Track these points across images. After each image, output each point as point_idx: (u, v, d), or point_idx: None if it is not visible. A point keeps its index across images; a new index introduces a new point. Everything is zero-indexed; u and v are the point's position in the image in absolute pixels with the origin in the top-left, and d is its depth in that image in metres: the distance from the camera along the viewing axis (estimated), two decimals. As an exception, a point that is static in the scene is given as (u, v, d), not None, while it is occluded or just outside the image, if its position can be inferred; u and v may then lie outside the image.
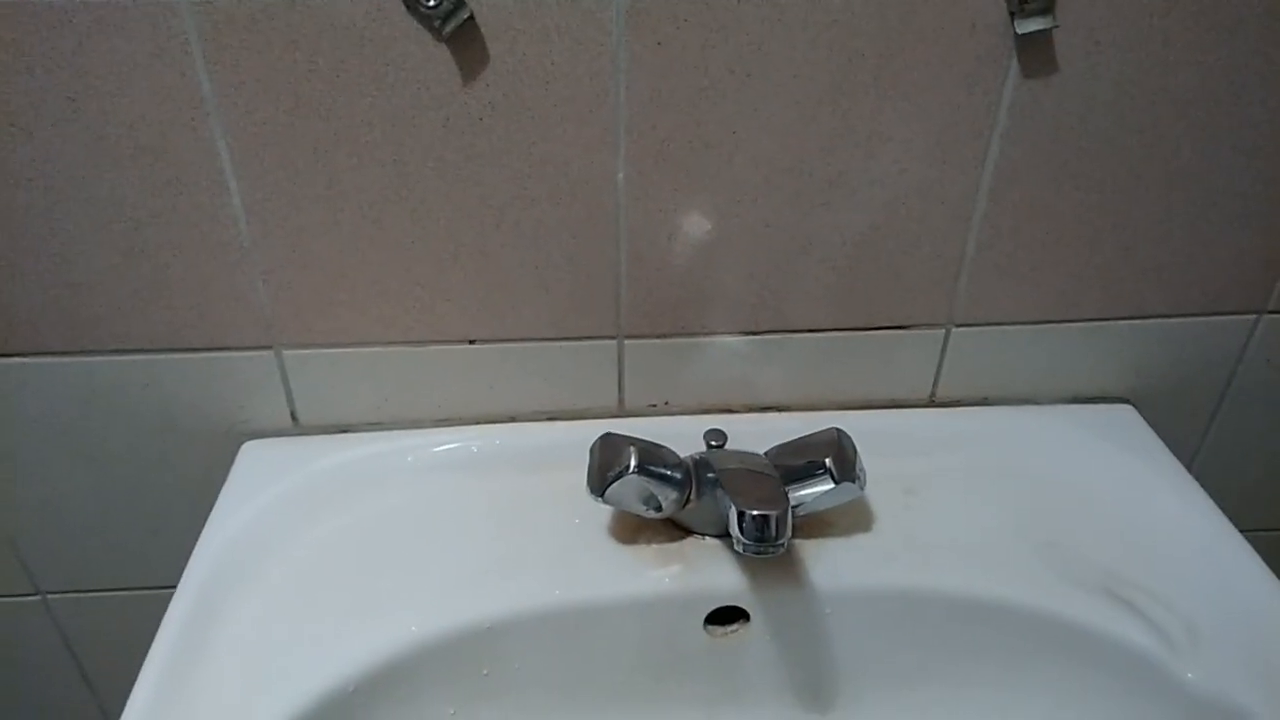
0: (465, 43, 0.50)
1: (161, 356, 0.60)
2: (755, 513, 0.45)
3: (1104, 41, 0.53)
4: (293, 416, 0.63)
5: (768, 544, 0.45)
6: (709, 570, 0.56)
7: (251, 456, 0.62)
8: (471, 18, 0.49)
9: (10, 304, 0.57)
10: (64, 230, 0.54)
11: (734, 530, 0.46)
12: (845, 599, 0.55)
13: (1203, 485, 0.61)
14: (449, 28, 0.49)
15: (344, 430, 0.64)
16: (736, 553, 0.55)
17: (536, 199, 0.55)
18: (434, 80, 0.51)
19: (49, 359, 0.59)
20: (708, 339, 0.62)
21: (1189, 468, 0.64)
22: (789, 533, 0.46)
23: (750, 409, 0.66)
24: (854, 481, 0.53)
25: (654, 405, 0.65)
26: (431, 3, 0.48)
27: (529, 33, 0.50)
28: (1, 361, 0.59)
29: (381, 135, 0.52)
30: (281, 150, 0.53)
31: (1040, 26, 0.52)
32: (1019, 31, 0.52)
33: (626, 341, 0.62)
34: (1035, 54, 0.53)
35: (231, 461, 0.62)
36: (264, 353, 0.60)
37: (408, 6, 0.48)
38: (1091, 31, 0.52)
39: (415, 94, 0.51)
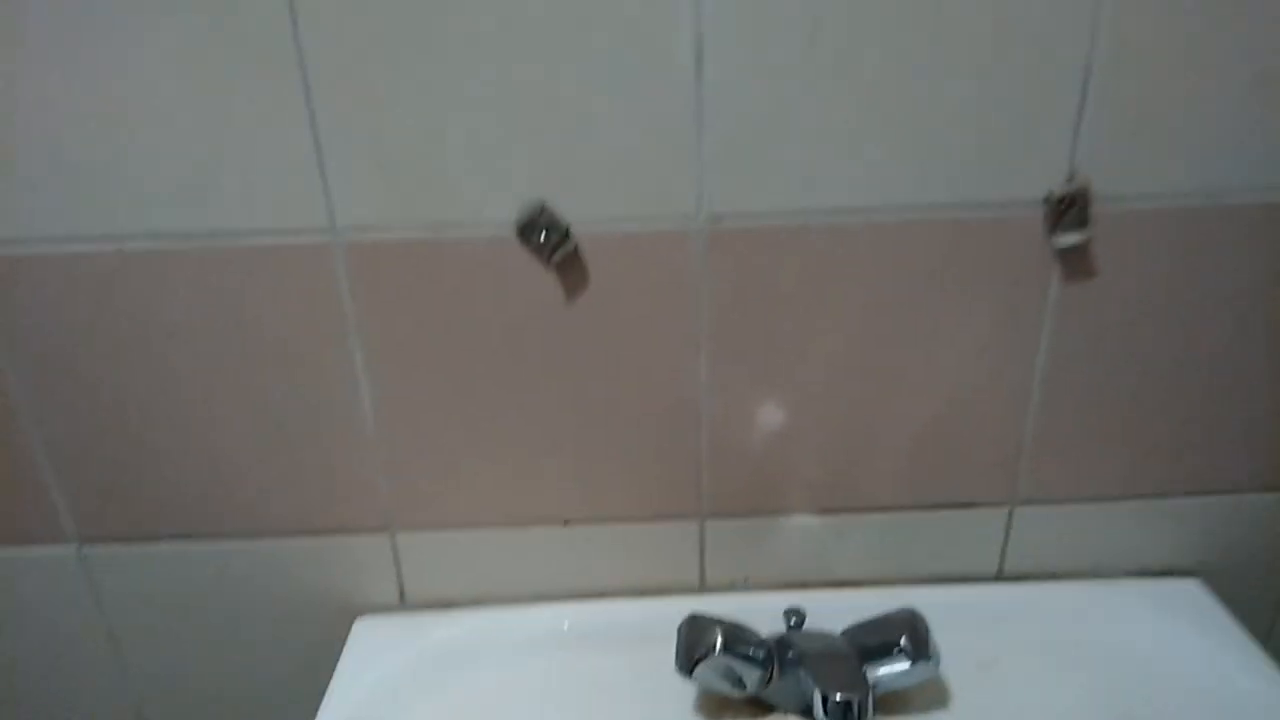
0: (570, 268, 0.58)
1: (288, 541, 0.66)
2: (838, 697, 0.48)
3: (1139, 247, 0.59)
4: (401, 594, 0.69)
5: (852, 726, 0.48)
6: (793, 747, 0.58)
7: (363, 633, 0.67)
8: (576, 249, 0.57)
9: (163, 492, 0.64)
10: (216, 427, 0.62)
11: (818, 713, 0.49)
12: (927, 777, 0.57)
13: (1277, 661, 0.62)
14: (557, 257, 0.57)
15: (448, 606, 0.69)
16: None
17: (627, 395, 0.62)
18: (542, 299, 0.59)
19: (189, 543, 0.66)
20: (784, 518, 0.67)
21: (1264, 643, 0.65)
22: (870, 715, 0.49)
23: (826, 584, 0.69)
24: (929, 660, 0.56)
25: (734, 581, 0.69)
26: (541, 239, 0.56)
27: (624, 258, 0.58)
28: (148, 546, 0.66)
29: (496, 344, 0.60)
30: (409, 357, 0.60)
31: (1076, 240, 0.58)
32: (1056, 246, 0.58)
33: (708, 522, 0.67)
34: (1075, 262, 0.59)
35: (344, 637, 0.67)
36: (380, 535, 0.66)
37: (522, 240, 0.57)
38: (1124, 240, 0.58)
39: (526, 310, 0.59)
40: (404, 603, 0.69)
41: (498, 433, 0.63)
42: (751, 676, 0.57)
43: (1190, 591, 0.69)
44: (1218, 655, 0.63)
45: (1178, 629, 0.66)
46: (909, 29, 0.52)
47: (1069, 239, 0.58)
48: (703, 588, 0.69)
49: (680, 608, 0.61)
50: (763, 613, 0.62)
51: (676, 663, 0.58)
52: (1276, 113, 0.56)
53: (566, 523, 0.67)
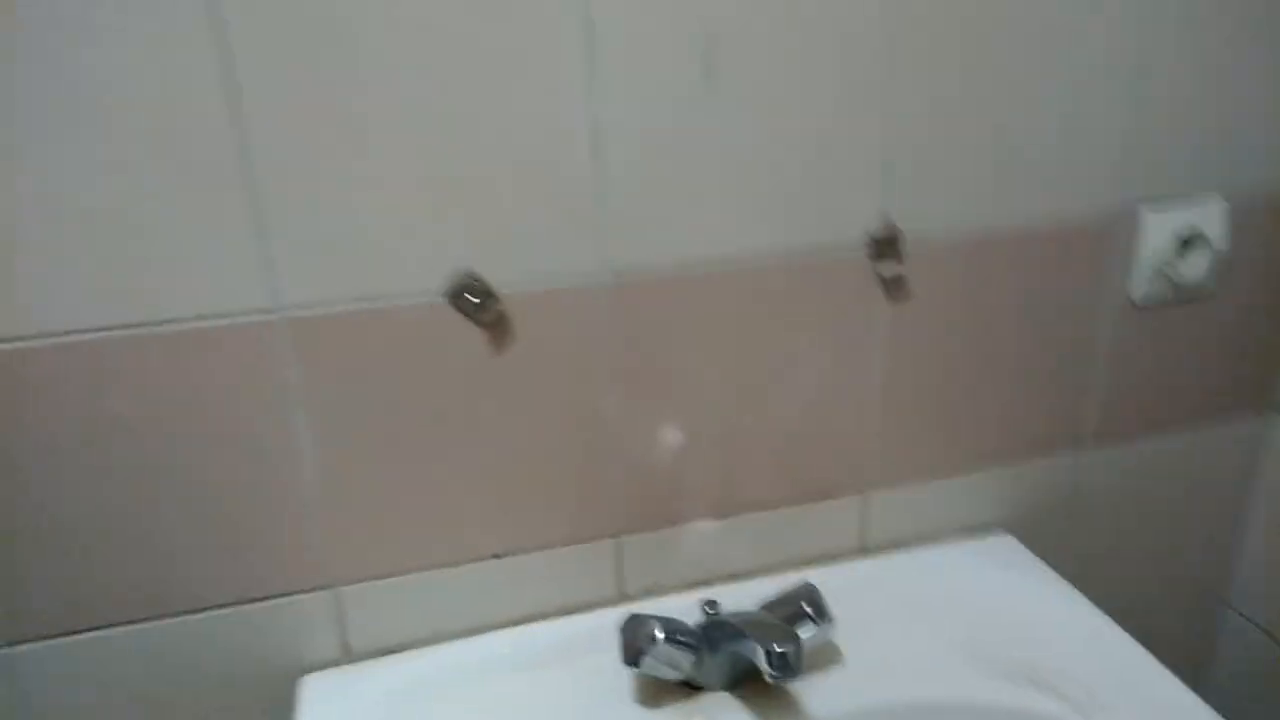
0: (498, 326, 0.66)
1: (229, 610, 0.69)
2: (779, 649, 0.59)
3: (945, 275, 0.75)
4: (345, 647, 0.72)
5: (792, 671, 0.59)
6: (724, 716, 0.68)
7: (314, 689, 0.70)
8: (502, 310, 0.65)
9: (97, 577, 0.65)
10: (154, 510, 0.64)
11: (764, 666, 0.59)
12: (840, 721, 0.69)
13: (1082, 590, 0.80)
14: (487, 317, 0.65)
15: (391, 652, 0.73)
16: (739, 700, 0.69)
17: (548, 433, 0.70)
18: (474, 355, 0.66)
19: (125, 628, 0.67)
20: (687, 525, 0.77)
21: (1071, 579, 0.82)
22: (803, 663, 0.60)
23: (726, 579, 0.80)
24: (829, 621, 0.68)
25: (648, 588, 0.78)
26: (474, 301, 0.64)
27: (543, 314, 0.67)
28: (85, 636, 0.66)
29: (432, 401, 0.67)
30: (351, 418, 0.66)
31: (895, 272, 0.73)
32: (882, 275, 0.73)
33: (623, 538, 0.76)
34: (896, 287, 0.74)
35: (289, 697, 0.70)
36: (322, 593, 0.70)
37: (454, 306, 0.64)
38: (934, 267, 0.74)
39: (459, 367, 0.66)
40: (349, 655, 0.73)
41: (430, 479, 0.69)
42: (687, 659, 0.66)
43: (1008, 544, 0.85)
44: (1037, 590, 0.80)
45: (1003, 576, 0.82)
46: (765, 114, 0.66)
47: (888, 269, 0.73)
48: (621, 598, 0.78)
49: (605, 619, 0.70)
50: (679, 610, 0.72)
51: (623, 656, 0.66)
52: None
53: (497, 556, 0.73)
